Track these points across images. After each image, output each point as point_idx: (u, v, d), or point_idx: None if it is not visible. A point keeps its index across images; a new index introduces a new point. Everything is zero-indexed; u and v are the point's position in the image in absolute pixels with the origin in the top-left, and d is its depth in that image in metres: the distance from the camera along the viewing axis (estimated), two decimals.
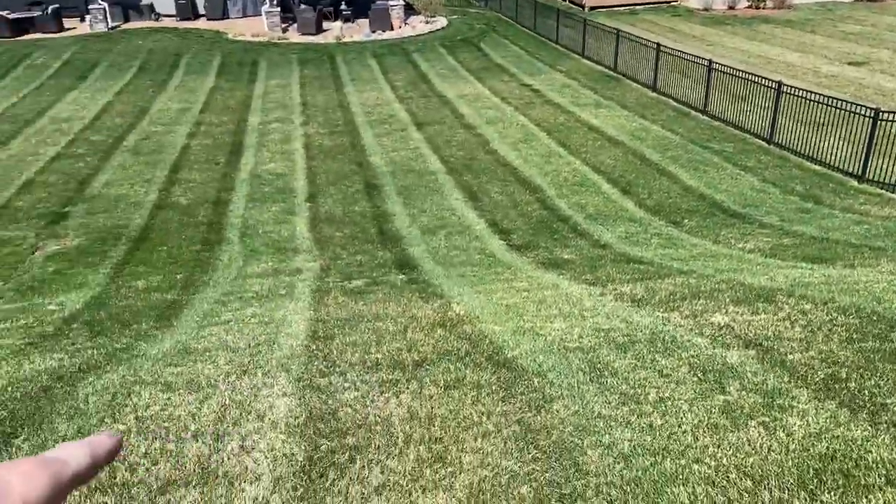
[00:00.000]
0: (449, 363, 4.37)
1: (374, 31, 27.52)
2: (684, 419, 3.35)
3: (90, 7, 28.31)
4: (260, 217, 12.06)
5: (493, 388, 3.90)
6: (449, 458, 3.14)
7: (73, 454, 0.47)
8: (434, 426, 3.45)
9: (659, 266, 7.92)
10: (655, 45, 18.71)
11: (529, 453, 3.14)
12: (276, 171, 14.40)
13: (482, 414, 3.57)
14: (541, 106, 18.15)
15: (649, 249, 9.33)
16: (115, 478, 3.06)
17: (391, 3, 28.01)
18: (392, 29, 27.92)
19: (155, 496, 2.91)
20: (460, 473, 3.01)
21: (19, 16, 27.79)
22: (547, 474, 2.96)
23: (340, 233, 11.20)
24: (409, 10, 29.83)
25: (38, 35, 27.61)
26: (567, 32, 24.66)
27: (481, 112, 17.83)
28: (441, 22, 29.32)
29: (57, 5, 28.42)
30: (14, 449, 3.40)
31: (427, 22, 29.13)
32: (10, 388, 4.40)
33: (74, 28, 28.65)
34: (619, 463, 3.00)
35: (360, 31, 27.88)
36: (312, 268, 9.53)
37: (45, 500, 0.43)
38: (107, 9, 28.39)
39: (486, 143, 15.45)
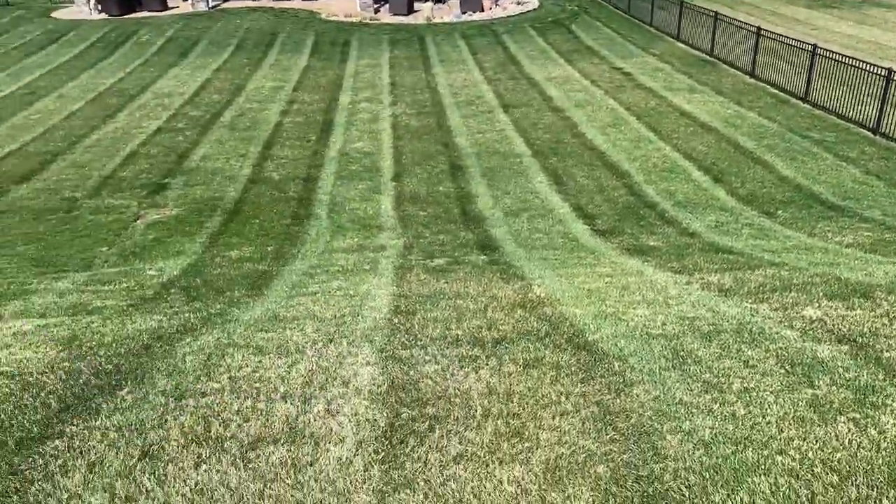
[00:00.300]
0: (528, 343, 4.40)
1: (464, 12, 27.50)
2: (769, 410, 3.28)
3: None
4: (347, 194, 12.33)
5: (573, 369, 3.91)
6: (526, 433, 3.18)
7: None
8: (512, 402, 3.50)
9: (749, 257, 7.68)
10: (756, 29, 17.96)
11: (607, 434, 3.15)
12: (364, 149, 14.67)
13: (560, 394, 3.59)
14: (632, 90, 17.76)
15: (740, 240, 9.05)
16: (209, 431, 3.25)
17: None
18: (482, 10, 27.82)
19: (246, 451, 3.08)
20: (537, 449, 3.05)
21: None
22: (624, 456, 2.97)
23: (424, 212, 11.33)
24: None
25: (145, 13, 28.89)
26: (662, 15, 23.97)
27: (570, 95, 17.60)
28: (532, 3, 29.00)
29: None
30: (118, 400, 3.66)
31: (518, 3, 28.87)
32: (114, 345, 4.71)
33: (177, 6, 29.82)
34: (698, 449, 2.97)
35: (449, 11, 27.90)
36: (396, 245, 9.70)
37: None
38: None
39: (573, 127, 15.26)
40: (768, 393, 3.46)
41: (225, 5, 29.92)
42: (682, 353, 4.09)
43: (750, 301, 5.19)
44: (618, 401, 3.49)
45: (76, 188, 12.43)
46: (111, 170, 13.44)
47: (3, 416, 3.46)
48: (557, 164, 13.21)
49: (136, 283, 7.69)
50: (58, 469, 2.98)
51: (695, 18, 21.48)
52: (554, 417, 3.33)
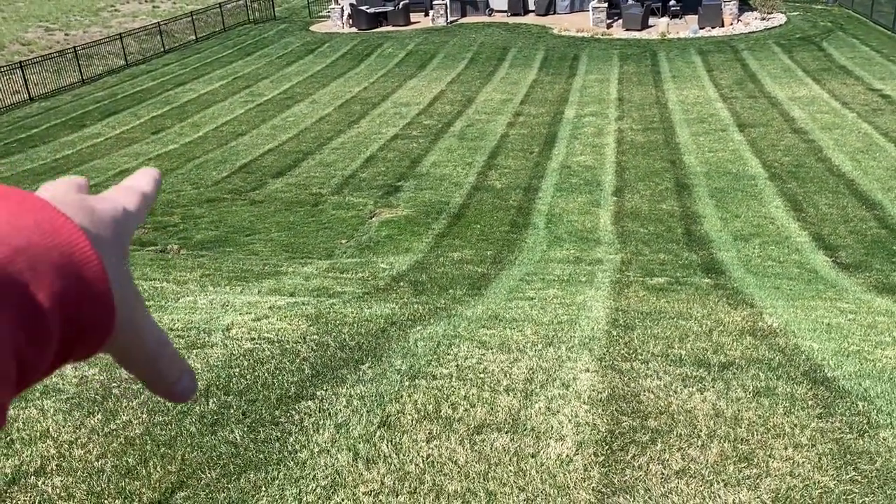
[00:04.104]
0: (759, 371, 4.20)
1: (701, 28, 26.44)
2: None
3: (434, 3, 31.17)
4: (566, 206, 12.41)
5: (809, 403, 3.68)
6: (755, 460, 3.06)
7: (138, 182, 0.48)
8: (740, 427, 3.37)
9: None
10: None
11: (847, 474, 2.93)
12: (586, 163, 14.66)
13: (794, 426, 3.40)
14: (891, 114, 16.01)
15: None
16: (439, 411, 3.49)
17: None
18: (722, 25, 26.56)
19: (472, 433, 3.27)
20: (766, 476, 2.92)
21: (376, 10, 31.60)
22: (866, 498, 2.75)
23: (644, 229, 11.10)
24: (744, 5, 28.10)
25: (389, 28, 31.14)
26: None
27: (816, 116, 16.27)
28: (779, 19, 27.17)
29: (406, 1, 31.77)
30: (360, 373, 4.04)
31: (762, 19, 27.20)
32: (355, 325, 5.19)
33: (418, 22, 31.78)
34: None
35: (686, 27, 26.97)
36: (613, 260, 9.61)
37: (142, 211, 0.45)
38: (447, 4, 31.03)
39: (817, 151, 14.09)
40: None
41: (462, 21, 31.37)
42: None
43: None
44: (861, 441, 3.23)
45: (322, 185, 13.73)
46: (352, 170, 14.67)
47: (266, 374, 3.98)
48: (797, 188, 12.28)
49: (370, 274, 8.35)
50: (311, 425, 3.37)
51: None
52: (786, 448, 3.16)
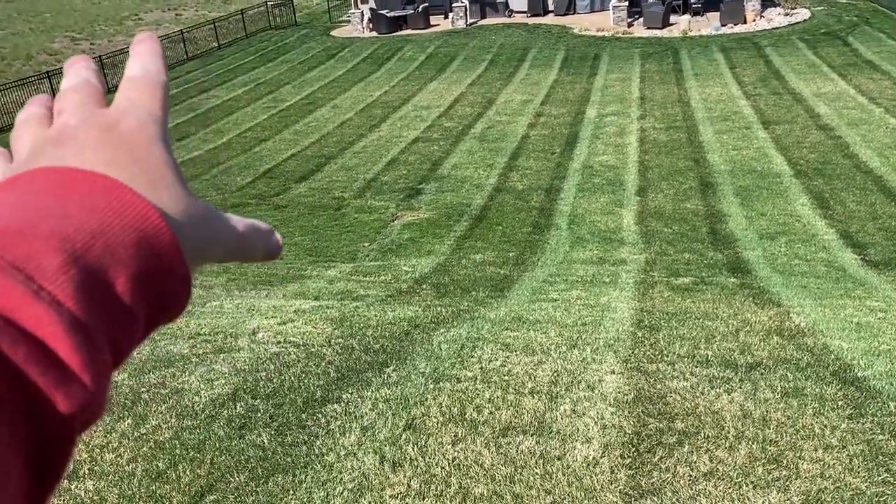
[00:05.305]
0: (787, 371, 4.15)
1: (723, 25, 26.20)
2: None
3: (453, 5, 31.22)
4: (588, 206, 12.35)
5: (839, 403, 3.63)
6: (784, 461, 3.03)
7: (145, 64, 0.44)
8: (769, 428, 3.33)
9: None
10: None
11: (880, 475, 2.89)
12: (608, 163, 14.59)
13: (824, 427, 3.35)
14: None
15: None
16: (464, 414, 3.50)
17: None
18: (745, 22, 26.29)
19: (498, 436, 3.27)
20: (796, 478, 2.89)
21: (396, 14, 31.71)
22: None
23: (668, 229, 11.01)
24: (766, 1, 27.79)
25: (409, 31, 31.22)
26: None
27: (842, 112, 16.04)
28: (802, 14, 26.84)
29: (426, 4, 31.83)
30: (385, 375, 4.05)
31: (786, 14, 26.89)
32: (379, 328, 5.21)
33: (438, 25, 31.83)
34: None
35: (708, 24, 26.74)
36: (637, 260, 9.55)
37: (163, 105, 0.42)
38: (467, 6, 31.05)
39: (844, 147, 13.89)
40: None
41: (481, 22, 31.37)
42: None
43: None
44: (893, 442, 3.18)
45: (344, 189, 13.81)
46: (374, 174, 14.72)
47: (293, 378, 4.01)
48: (823, 186, 12.12)
49: (393, 277, 8.38)
50: (337, 428, 3.39)
51: None
52: (816, 450, 3.12)
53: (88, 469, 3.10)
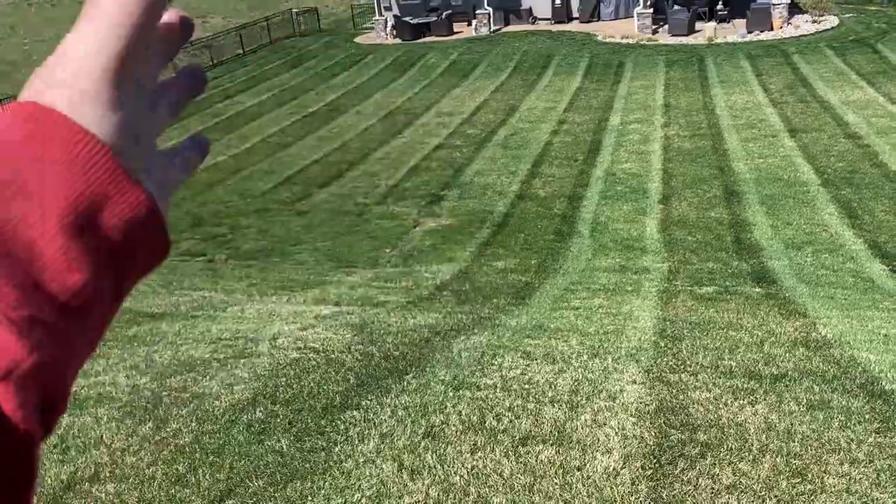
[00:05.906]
0: (812, 383, 4.08)
1: (750, 32, 25.96)
2: None
3: (477, 12, 31.26)
4: (611, 214, 12.28)
5: (866, 417, 3.55)
6: (809, 475, 2.97)
7: None
8: (793, 441, 3.27)
9: None
10: None
11: None
12: (631, 170, 14.49)
13: (850, 440, 3.29)
14: None
15: None
16: (483, 422, 3.48)
17: (773, 1, 26.11)
18: (772, 29, 26.03)
19: (517, 445, 3.25)
20: (821, 493, 2.83)
21: (419, 21, 31.82)
22: None
23: (692, 237, 10.90)
24: (794, 8, 27.50)
25: (432, 38, 31.31)
26: None
27: (871, 121, 15.80)
28: (830, 21, 26.52)
29: (449, 11, 31.91)
30: (405, 383, 4.05)
31: (814, 21, 26.58)
32: (399, 335, 5.21)
33: (461, 31, 31.88)
34: None
35: (734, 31, 26.51)
36: (660, 269, 9.46)
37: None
38: (490, 13, 31.08)
39: (873, 156, 13.68)
40: None
41: (505, 29, 31.38)
42: None
43: None
44: None
45: (367, 195, 13.85)
46: (396, 180, 14.76)
47: (312, 384, 4.02)
48: (851, 195, 11.93)
49: (414, 283, 8.38)
50: (356, 435, 3.39)
51: None
52: (842, 464, 3.06)
53: (109, 472, 3.13)
